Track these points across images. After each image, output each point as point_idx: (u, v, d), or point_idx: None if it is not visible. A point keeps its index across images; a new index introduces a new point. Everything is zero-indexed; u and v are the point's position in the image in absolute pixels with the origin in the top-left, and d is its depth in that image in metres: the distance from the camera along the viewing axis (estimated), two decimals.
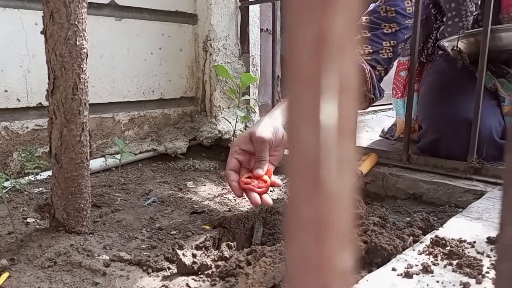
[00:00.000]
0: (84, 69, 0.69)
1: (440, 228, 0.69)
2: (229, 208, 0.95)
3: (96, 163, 1.19)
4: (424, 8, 1.15)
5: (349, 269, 0.12)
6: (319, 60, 0.11)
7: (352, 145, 0.12)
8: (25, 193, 1.01)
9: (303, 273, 0.12)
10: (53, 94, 0.69)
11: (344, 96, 0.11)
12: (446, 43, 1.12)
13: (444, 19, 1.16)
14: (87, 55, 0.69)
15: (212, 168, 1.32)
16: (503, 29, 1.03)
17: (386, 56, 1.06)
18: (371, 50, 1.05)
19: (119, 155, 1.15)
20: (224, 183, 1.17)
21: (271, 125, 0.85)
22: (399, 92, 1.39)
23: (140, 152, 1.31)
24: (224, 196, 1.05)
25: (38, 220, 0.85)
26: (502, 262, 0.20)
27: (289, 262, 0.12)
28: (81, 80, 0.69)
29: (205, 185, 1.13)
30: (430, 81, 1.21)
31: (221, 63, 1.42)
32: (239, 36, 1.48)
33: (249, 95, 1.47)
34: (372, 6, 1.12)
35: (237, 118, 1.38)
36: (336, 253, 0.12)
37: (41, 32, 0.68)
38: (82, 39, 0.67)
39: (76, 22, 0.65)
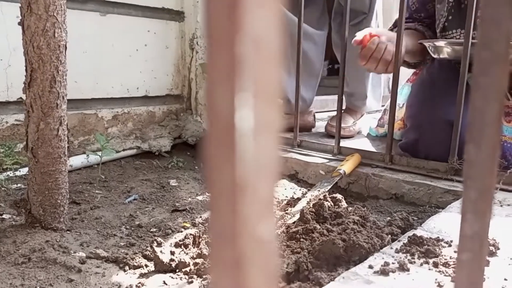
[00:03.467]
0: (62, 61, 0.67)
1: (418, 227, 0.69)
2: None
3: (77, 160, 1.17)
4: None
5: (268, 239, 0.12)
6: (232, 17, 0.10)
7: (272, 109, 0.11)
8: (3, 189, 0.98)
9: (220, 241, 0.11)
10: (30, 87, 0.68)
11: (261, 56, 0.11)
12: (426, 45, 1.13)
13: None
14: (66, 47, 0.68)
15: (196, 167, 1.31)
16: None
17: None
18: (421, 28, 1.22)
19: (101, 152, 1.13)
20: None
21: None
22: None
23: (123, 150, 1.29)
24: (207, 194, 1.04)
25: (14, 216, 0.83)
26: (462, 253, 0.20)
27: (209, 231, 0.12)
28: (59, 72, 0.67)
29: (188, 183, 1.12)
30: (420, 80, 1.23)
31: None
32: None
33: None
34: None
35: None
36: (254, 221, 0.11)
37: (19, 23, 0.66)
38: (61, 31, 0.66)
39: (54, 14, 0.64)
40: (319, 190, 0.95)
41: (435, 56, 1.11)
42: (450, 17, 1.13)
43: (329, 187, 0.97)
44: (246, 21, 0.10)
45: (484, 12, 0.19)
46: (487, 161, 0.19)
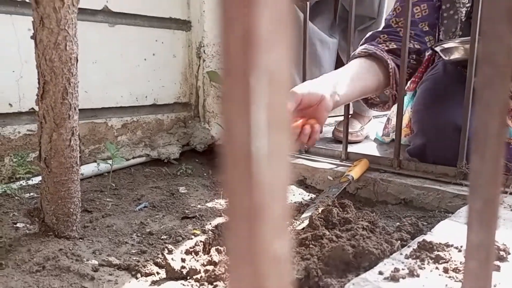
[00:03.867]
0: (74, 73, 0.69)
1: (428, 232, 0.69)
2: (221, 213, 0.95)
3: (88, 168, 1.19)
4: (435, 10, 1.17)
5: (284, 257, 0.12)
6: (247, 56, 0.11)
7: (284, 137, 0.12)
8: (16, 198, 1.00)
9: (239, 262, 0.12)
10: (43, 99, 0.69)
11: (273, 90, 0.12)
12: (437, 48, 1.13)
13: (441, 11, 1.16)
14: (77, 60, 0.70)
15: (205, 174, 1.32)
16: None
17: (413, 59, 1.14)
18: (394, 46, 1.09)
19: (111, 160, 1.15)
20: (217, 188, 1.17)
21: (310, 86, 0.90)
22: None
23: (133, 157, 1.31)
24: (216, 201, 1.05)
25: (28, 225, 0.84)
26: (469, 261, 0.21)
27: (228, 252, 0.13)
28: (71, 84, 0.69)
29: (197, 190, 1.13)
30: (424, 85, 1.23)
31: (214, 69, 1.43)
32: None
33: None
34: (384, 21, 1.19)
35: None
36: (270, 241, 0.12)
37: (31, 37, 0.68)
38: (72, 44, 0.68)
39: (66, 27, 0.66)
40: (327, 196, 0.96)
41: (446, 58, 1.11)
42: (460, 33, 1.13)
43: (338, 193, 0.98)
44: (260, 58, 0.11)
45: (486, 27, 0.20)
46: (491, 172, 0.20)
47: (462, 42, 1.05)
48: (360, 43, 1.18)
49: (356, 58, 1.09)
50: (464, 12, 1.10)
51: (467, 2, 1.11)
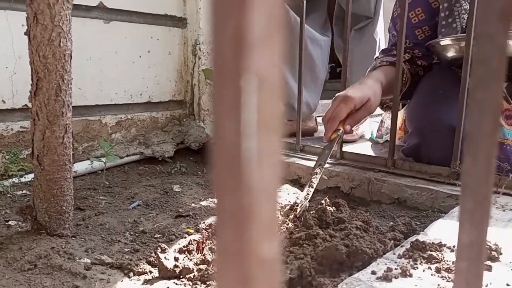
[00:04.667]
0: (67, 70, 0.68)
1: (421, 232, 0.69)
2: (214, 212, 0.95)
3: (81, 166, 1.18)
4: (433, 11, 1.20)
5: (272, 259, 0.12)
6: (238, 57, 0.11)
7: (274, 139, 0.12)
8: (8, 195, 0.99)
9: (226, 262, 0.12)
10: (36, 96, 0.69)
11: (264, 92, 0.11)
12: (430, 46, 1.13)
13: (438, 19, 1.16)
14: (71, 56, 0.69)
15: (199, 172, 1.31)
16: None
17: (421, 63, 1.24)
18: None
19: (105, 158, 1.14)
20: (211, 187, 1.17)
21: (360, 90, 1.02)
22: None
23: (127, 155, 1.30)
24: (210, 199, 1.05)
25: (20, 223, 0.83)
26: (460, 261, 0.21)
27: (216, 252, 0.13)
28: (65, 81, 0.68)
29: (191, 189, 1.13)
30: (420, 85, 1.23)
31: (210, 67, 1.42)
32: None
33: None
34: (390, 38, 1.30)
35: None
36: (257, 242, 0.12)
37: (25, 33, 0.67)
38: (66, 41, 0.67)
39: (60, 24, 0.65)
40: (321, 164, 0.97)
41: (440, 56, 1.12)
42: None
43: (330, 153, 1.00)
44: (251, 59, 0.11)
45: (479, 28, 0.20)
46: (483, 172, 0.20)
47: (457, 39, 1.05)
48: (376, 57, 1.28)
49: (380, 66, 1.20)
50: (466, 18, 1.09)
51: (468, 8, 1.09)
